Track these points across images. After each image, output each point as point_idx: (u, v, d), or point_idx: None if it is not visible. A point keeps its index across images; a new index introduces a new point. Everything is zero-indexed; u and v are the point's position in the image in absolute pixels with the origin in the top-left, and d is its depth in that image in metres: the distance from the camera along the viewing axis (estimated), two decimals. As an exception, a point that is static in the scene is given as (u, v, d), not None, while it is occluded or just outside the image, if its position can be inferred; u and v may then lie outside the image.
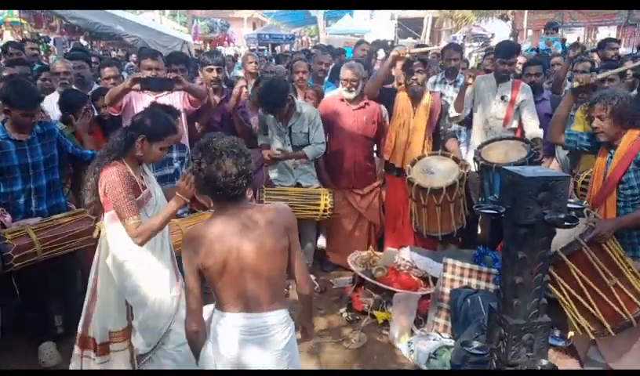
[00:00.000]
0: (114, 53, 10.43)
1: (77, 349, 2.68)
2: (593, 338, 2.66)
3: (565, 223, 1.50)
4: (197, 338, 1.91)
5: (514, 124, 4.11)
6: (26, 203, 3.04)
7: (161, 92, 3.44)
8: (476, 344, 1.65)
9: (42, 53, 7.97)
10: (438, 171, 3.74)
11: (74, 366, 2.70)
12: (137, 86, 3.33)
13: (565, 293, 2.60)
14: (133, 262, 2.46)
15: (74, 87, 4.17)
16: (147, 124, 2.44)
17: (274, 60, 7.57)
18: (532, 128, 3.99)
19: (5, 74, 4.13)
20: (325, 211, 3.93)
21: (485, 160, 3.65)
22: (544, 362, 1.53)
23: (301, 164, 4.07)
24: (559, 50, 7.47)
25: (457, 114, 4.17)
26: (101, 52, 9.01)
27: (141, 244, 2.34)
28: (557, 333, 1.60)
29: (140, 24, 9.79)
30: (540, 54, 7.26)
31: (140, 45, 8.12)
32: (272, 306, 1.88)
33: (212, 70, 4.02)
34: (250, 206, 1.90)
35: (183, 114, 3.62)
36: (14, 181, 2.98)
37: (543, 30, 10.13)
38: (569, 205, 1.55)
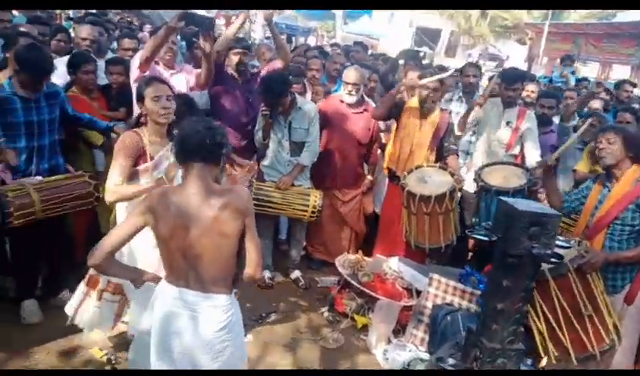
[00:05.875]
0: (128, 20, 10.41)
1: (83, 287, 2.86)
2: (555, 363, 2.69)
3: (552, 260, 1.54)
4: (101, 271, 2.06)
5: (516, 150, 4.16)
6: (27, 160, 3.05)
7: (205, 30, 3.48)
8: (451, 361, 1.69)
9: (57, 12, 7.93)
10: (432, 182, 3.76)
11: (74, 302, 2.88)
12: (182, 24, 3.38)
13: (540, 314, 2.60)
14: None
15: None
16: None
17: None
18: (534, 157, 4.03)
19: (22, 29, 4.13)
20: (313, 211, 3.98)
21: (484, 181, 3.69)
22: (514, 389, 1.58)
23: (296, 160, 4.08)
24: (572, 83, 7.51)
25: (459, 133, 4.22)
26: (117, 19, 8.94)
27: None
28: (529, 361, 1.65)
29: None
30: (552, 84, 7.27)
31: (155, 17, 8.08)
32: (213, 289, 1.86)
33: (238, 54, 4.04)
34: (211, 184, 1.88)
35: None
36: (18, 138, 2.99)
37: (559, 61, 10.19)
38: (557, 242, 1.59)
